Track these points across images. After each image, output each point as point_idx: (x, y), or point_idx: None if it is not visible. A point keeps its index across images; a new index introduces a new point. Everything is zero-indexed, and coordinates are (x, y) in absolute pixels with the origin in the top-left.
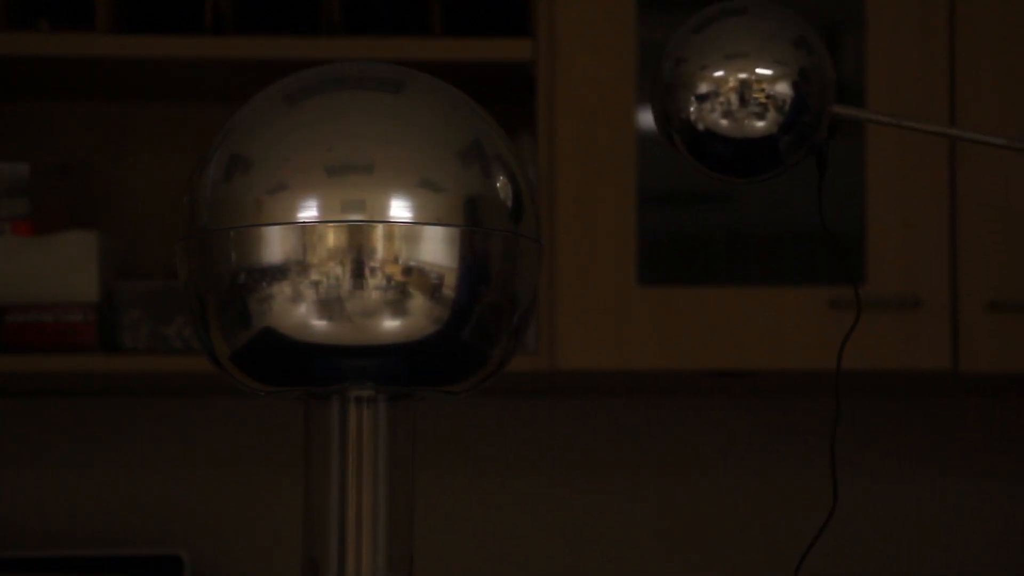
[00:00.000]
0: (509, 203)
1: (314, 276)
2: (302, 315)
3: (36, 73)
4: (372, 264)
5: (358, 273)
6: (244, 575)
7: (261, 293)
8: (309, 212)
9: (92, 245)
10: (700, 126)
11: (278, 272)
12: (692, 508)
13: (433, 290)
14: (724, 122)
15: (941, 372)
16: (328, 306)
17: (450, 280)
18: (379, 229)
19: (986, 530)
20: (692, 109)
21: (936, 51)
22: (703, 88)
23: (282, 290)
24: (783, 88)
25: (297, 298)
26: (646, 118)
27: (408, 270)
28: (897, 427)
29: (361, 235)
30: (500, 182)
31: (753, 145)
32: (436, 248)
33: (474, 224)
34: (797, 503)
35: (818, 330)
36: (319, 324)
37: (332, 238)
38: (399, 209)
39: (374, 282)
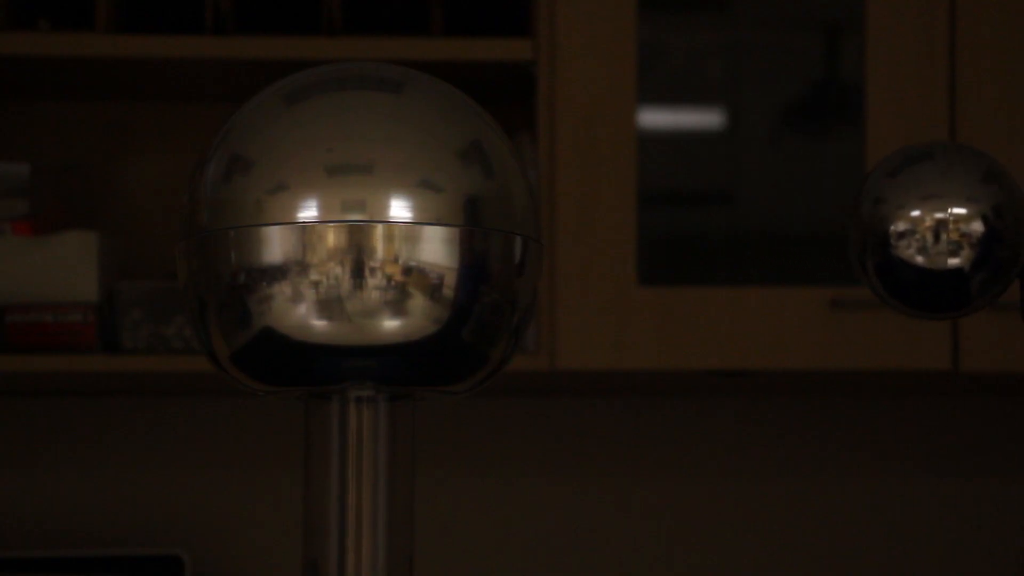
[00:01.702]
0: (509, 203)
1: (314, 276)
2: (302, 315)
3: (36, 73)
4: (372, 264)
5: (358, 273)
6: (244, 575)
7: (261, 293)
8: (309, 212)
9: (92, 245)
10: (896, 261)
11: (278, 272)
12: (692, 508)
13: (433, 290)
14: (920, 258)
15: (941, 372)
16: (328, 306)
17: (450, 280)
18: (379, 229)
19: (986, 530)
20: (890, 245)
21: (936, 51)
22: (901, 227)
23: (282, 290)
24: (976, 226)
25: (297, 298)
26: (646, 118)
27: (408, 270)
28: (897, 427)
29: (361, 235)
30: (500, 182)
31: (946, 278)
32: (436, 248)
33: (474, 224)
34: (797, 503)
35: (818, 330)
36: (319, 324)
37: (332, 238)
38: (399, 209)
39: (374, 282)
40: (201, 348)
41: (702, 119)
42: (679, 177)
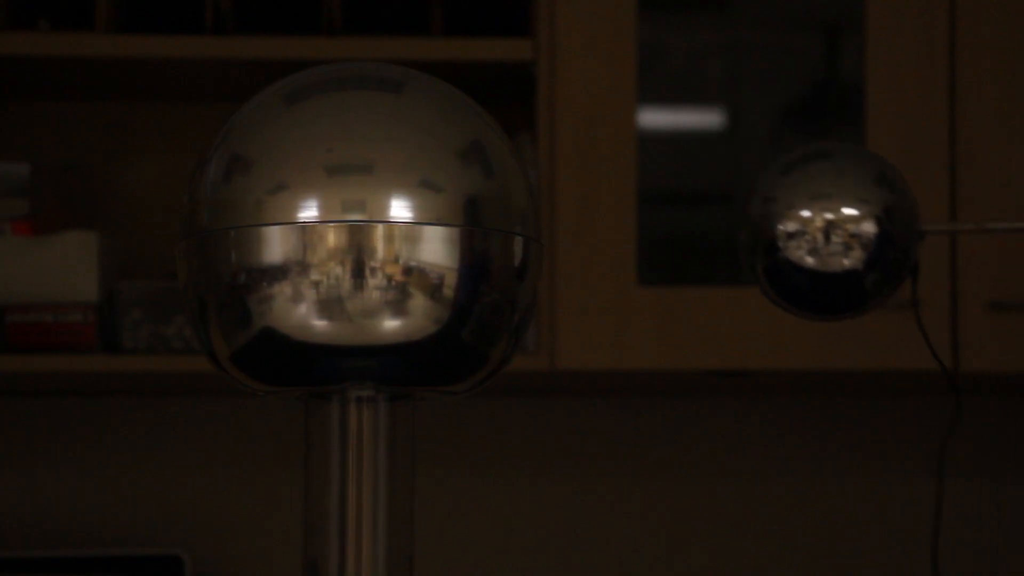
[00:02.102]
0: (509, 203)
1: (314, 276)
2: (302, 315)
3: (36, 73)
4: (372, 264)
5: (358, 273)
6: (244, 575)
7: (261, 293)
8: (309, 212)
9: (92, 245)
10: (786, 262)
11: (278, 272)
12: (692, 508)
13: (433, 290)
14: (810, 259)
15: (941, 372)
16: (328, 306)
17: (450, 280)
18: (379, 229)
19: (986, 530)
20: (780, 246)
21: (936, 51)
22: (790, 227)
23: (282, 290)
24: (868, 227)
25: (297, 298)
26: (646, 118)
27: (408, 270)
28: (897, 427)
29: (361, 235)
30: (500, 182)
31: (839, 280)
32: (436, 248)
33: (474, 224)
34: (797, 503)
35: (818, 330)
36: (319, 324)
37: (332, 238)
38: (399, 209)
39: (374, 282)
40: (201, 348)
41: (702, 119)
42: (679, 177)
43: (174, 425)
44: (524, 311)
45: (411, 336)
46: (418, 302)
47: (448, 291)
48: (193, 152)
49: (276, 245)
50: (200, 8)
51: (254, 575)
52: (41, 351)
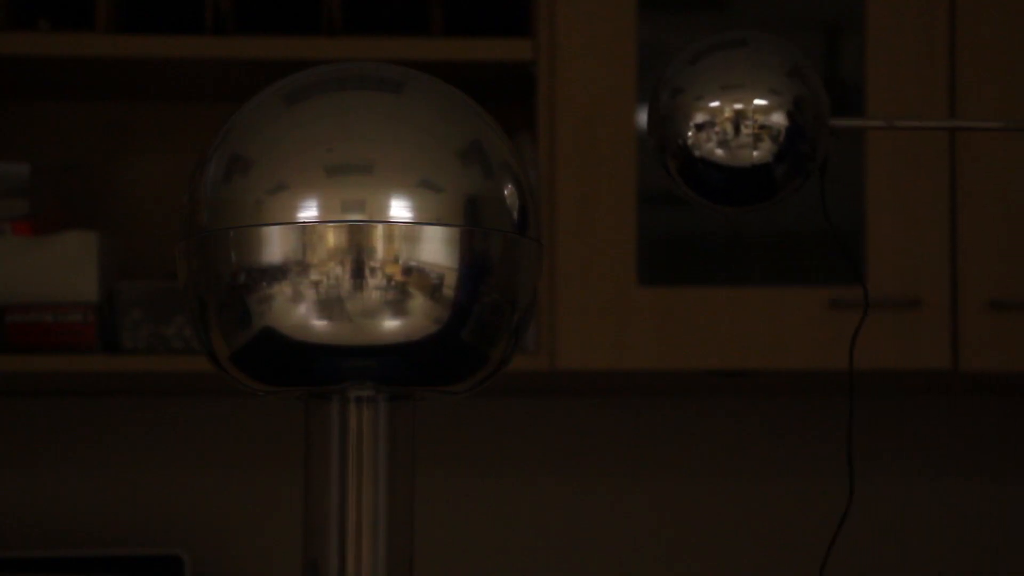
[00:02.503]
0: (509, 203)
1: (314, 276)
2: (302, 315)
3: (36, 73)
4: (372, 264)
5: (358, 273)
6: (244, 575)
7: (261, 293)
8: (309, 212)
9: (92, 245)
10: (696, 155)
11: (278, 272)
12: (692, 508)
13: (433, 290)
14: (720, 151)
15: (941, 372)
16: (328, 306)
17: (450, 280)
18: (379, 229)
19: (986, 530)
20: (688, 138)
21: (936, 51)
22: (699, 118)
23: (282, 290)
24: (778, 118)
25: (297, 298)
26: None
27: (408, 270)
28: (897, 427)
29: (361, 235)
30: (500, 182)
31: (748, 174)
32: (436, 248)
33: (474, 224)
34: (797, 503)
35: (818, 330)
36: (319, 324)
37: (332, 238)
38: (399, 209)
39: (374, 282)
40: (201, 348)
41: None
42: None
43: (174, 425)
44: (524, 311)
45: (411, 336)
46: (418, 302)
47: (448, 291)
48: (193, 152)
49: (276, 245)
50: (200, 8)
51: (254, 575)
52: (41, 351)
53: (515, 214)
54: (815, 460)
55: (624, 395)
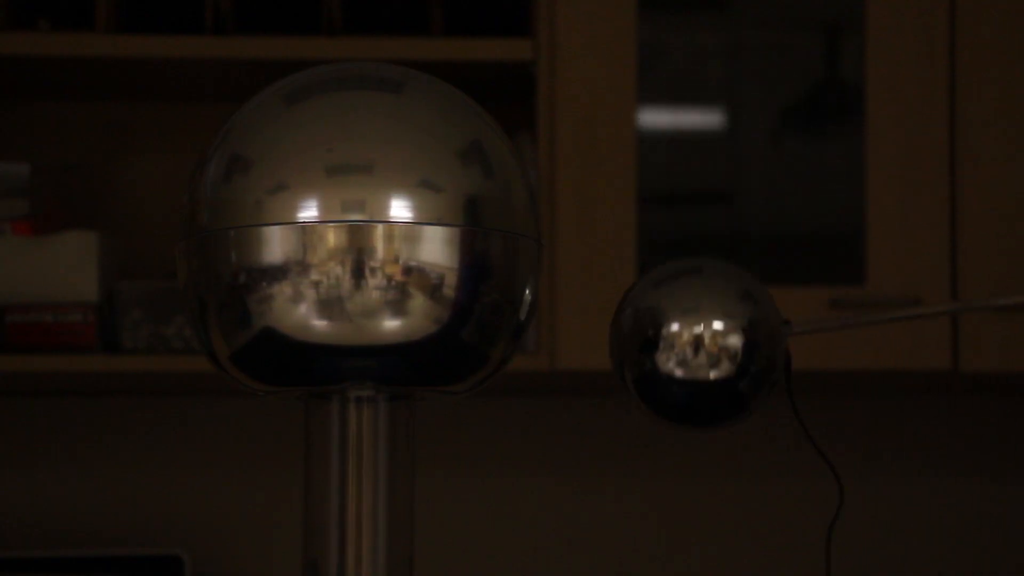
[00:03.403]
0: (509, 203)
1: (314, 276)
2: (302, 315)
3: (36, 73)
4: (372, 264)
5: (358, 273)
6: (244, 575)
7: (261, 293)
8: (309, 212)
9: (92, 245)
10: (658, 375)
11: (278, 272)
12: (692, 508)
13: (433, 290)
14: (679, 371)
15: (941, 372)
16: (328, 306)
17: (450, 280)
18: (379, 229)
19: (986, 530)
20: (650, 360)
21: (936, 51)
22: (661, 340)
23: (282, 290)
24: (733, 340)
25: (297, 298)
26: (646, 118)
27: (408, 270)
28: (897, 427)
29: (361, 235)
30: (500, 182)
31: (710, 391)
32: (436, 248)
33: (474, 224)
34: (797, 503)
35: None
36: (319, 324)
37: (332, 238)
38: (399, 209)
39: (374, 282)
40: (201, 348)
41: (702, 119)
42: (679, 177)
43: (174, 425)
44: (524, 311)
45: (411, 336)
46: (418, 302)
47: (448, 291)
48: (193, 152)
49: (276, 245)
50: (200, 8)
51: (254, 575)
52: (41, 351)
53: (515, 214)
54: (815, 460)
55: (624, 395)
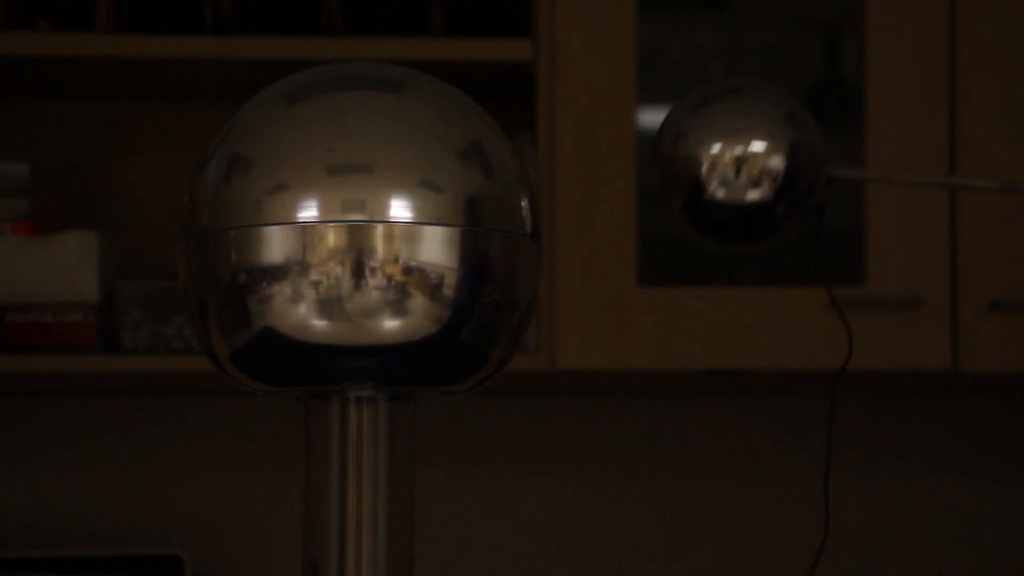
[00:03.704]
0: (509, 203)
1: (314, 276)
2: (302, 315)
3: (36, 73)
4: (372, 264)
5: (358, 273)
6: (244, 575)
7: (261, 293)
8: (309, 212)
9: (92, 245)
10: (700, 198)
11: (278, 272)
12: (692, 508)
13: (433, 290)
14: (722, 193)
15: (941, 372)
16: (328, 306)
17: (450, 280)
18: (379, 229)
19: (986, 530)
20: (692, 182)
21: (936, 51)
22: (703, 162)
23: (282, 290)
24: (776, 162)
25: (297, 298)
26: (646, 118)
27: (408, 270)
28: (897, 427)
29: (361, 235)
30: (500, 182)
31: (750, 212)
32: (436, 248)
33: (474, 224)
34: (796, 503)
35: (818, 330)
36: (319, 324)
37: (332, 238)
38: (399, 209)
39: (374, 282)
40: (201, 348)
41: None
42: None
43: (174, 425)
44: (524, 311)
45: (411, 336)
46: (418, 302)
47: (448, 291)
48: (193, 152)
49: (276, 245)
50: (200, 8)
51: (254, 575)
52: (41, 351)
53: (515, 214)
54: (815, 460)
55: (624, 395)
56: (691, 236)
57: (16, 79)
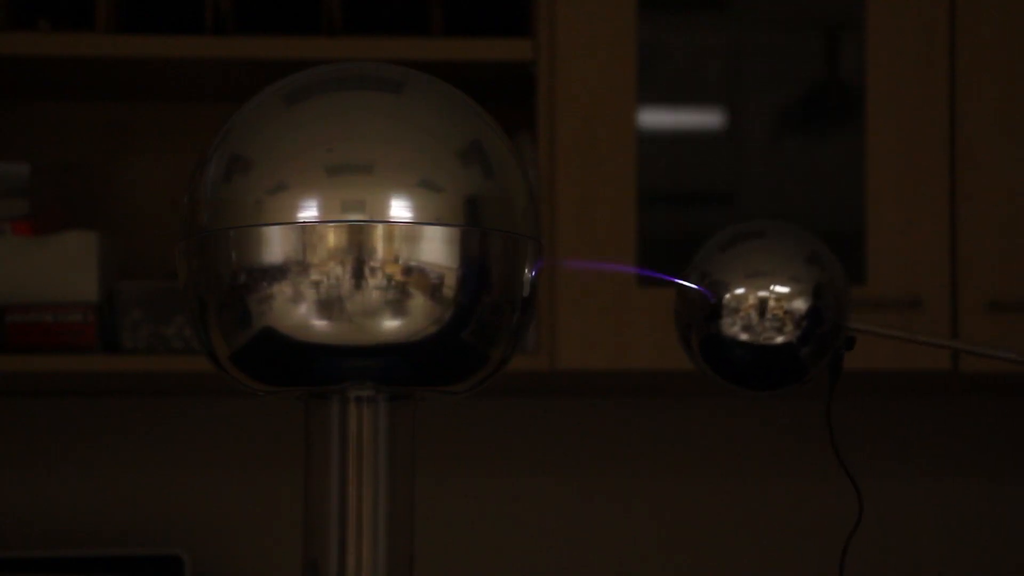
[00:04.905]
0: (509, 203)
1: (314, 276)
2: (302, 315)
3: (36, 73)
4: (372, 264)
5: (358, 273)
6: (244, 575)
7: (261, 293)
8: (309, 212)
9: (92, 245)
10: (722, 339)
11: (278, 272)
12: (692, 508)
13: (433, 290)
14: (745, 336)
15: (941, 372)
16: (328, 306)
17: (450, 280)
18: (379, 229)
19: (986, 530)
20: (715, 324)
21: (936, 51)
22: (726, 304)
23: (282, 290)
24: (799, 304)
25: (297, 298)
26: (646, 118)
27: (408, 270)
28: (897, 427)
29: (361, 235)
30: (500, 182)
31: (773, 355)
32: (436, 248)
33: (474, 224)
34: (797, 503)
35: None
36: (319, 324)
37: (332, 238)
38: (399, 209)
39: (374, 282)
40: (201, 348)
41: (702, 119)
42: (679, 177)
43: (174, 425)
44: (524, 311)
45: (411, 336)
46: (418, 302)
47: (448, 291)
48: (193, 152)
49: (276, 245)
50: (200, 8)
51: (254, 575)
52: (41, 351)
53: (515, 214)
54: (815, 460)
55: (624, 395)
56: (710, 378)
57: (16, 79)
